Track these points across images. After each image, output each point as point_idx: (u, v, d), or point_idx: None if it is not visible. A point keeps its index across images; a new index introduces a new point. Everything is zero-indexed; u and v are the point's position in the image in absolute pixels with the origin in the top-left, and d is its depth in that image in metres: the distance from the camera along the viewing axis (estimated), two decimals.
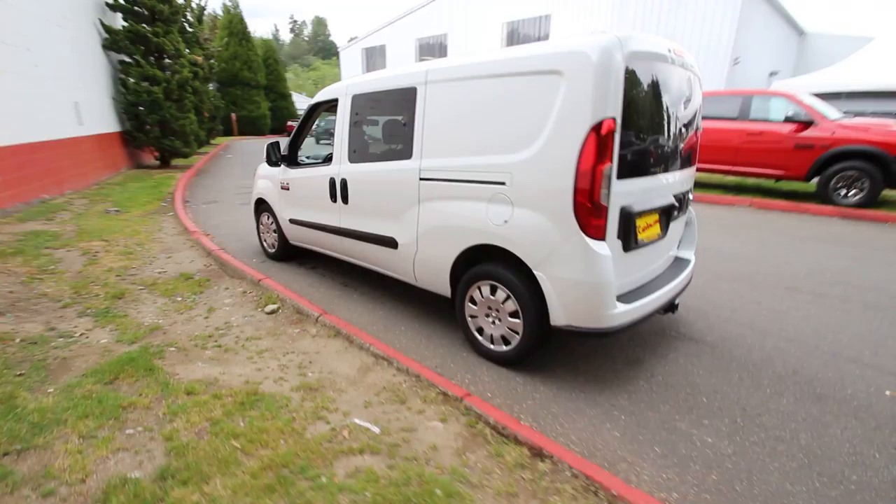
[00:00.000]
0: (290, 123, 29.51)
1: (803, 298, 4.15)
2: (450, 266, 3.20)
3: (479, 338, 3.15)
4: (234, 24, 26.41)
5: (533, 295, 2.76)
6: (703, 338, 3.42)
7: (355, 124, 3.85)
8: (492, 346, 3.09)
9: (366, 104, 3.81)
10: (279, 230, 5.09)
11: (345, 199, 3.97)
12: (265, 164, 5.21)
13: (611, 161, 2.41)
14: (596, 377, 2.93)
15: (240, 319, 3.71)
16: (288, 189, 4.77)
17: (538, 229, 2.64)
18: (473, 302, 3.13)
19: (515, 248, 2.76)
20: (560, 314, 2.65)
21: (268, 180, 5.14)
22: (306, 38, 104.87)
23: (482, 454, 2.22)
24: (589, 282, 2.53)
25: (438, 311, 3.89)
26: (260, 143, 19.70)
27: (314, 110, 4.50)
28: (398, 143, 3.53)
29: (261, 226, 5.49)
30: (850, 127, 7.56)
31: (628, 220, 2.61)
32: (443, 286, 3.36)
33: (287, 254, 5.21)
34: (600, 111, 2.36)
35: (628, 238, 2.66)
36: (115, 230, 6.39)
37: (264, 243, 5.52)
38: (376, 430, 2.37)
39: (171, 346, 3.24)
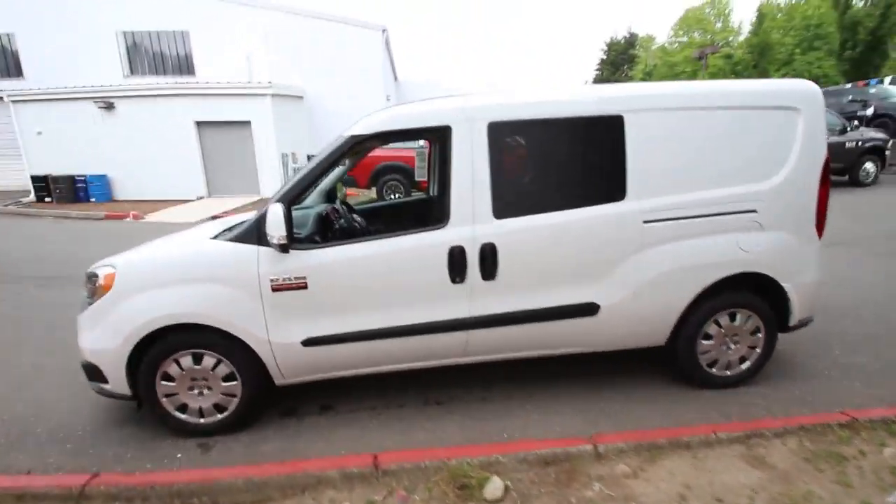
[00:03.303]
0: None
1: None
2: (683, 309, 2.80)
3: (708, 367, 2.95)
4: None
5: (768, 306, 2.90)
6: None
7: (499, 164, 2.55)
8: (728, 372, 2.98)
9: (519, 135, 2.60)
10: (253, 374, 2.61)
11: (488, 274, 2.58)
12: (190, 255, 2.64)
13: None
14: None
15: None
16: (305, 287, 2.52)
17: (787, 247, 2.80)
18: (708, 337, 2.90)
19: (768, 269, 2.80)
20: (797, 314, 2.93)
21: (216, 285, 2.50)
22: None
23: None
24: (819, 279, 2.94)
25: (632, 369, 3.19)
26: None
27: (355, 146, 2.56)
28: (595, 183, 2.67)
29: (161, 386, 2.58)
30: None
31: None
32: (658, 335, 2.88)
33: (250, 414, 2.74)
34: (825, 145, 2.80)
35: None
36: None
37: (176, 414, 2.64)
38: None
39: None
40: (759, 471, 2.19)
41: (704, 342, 2.91)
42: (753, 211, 2.75)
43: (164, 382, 2.59)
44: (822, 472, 2.17)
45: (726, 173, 2.72)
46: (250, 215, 3.38)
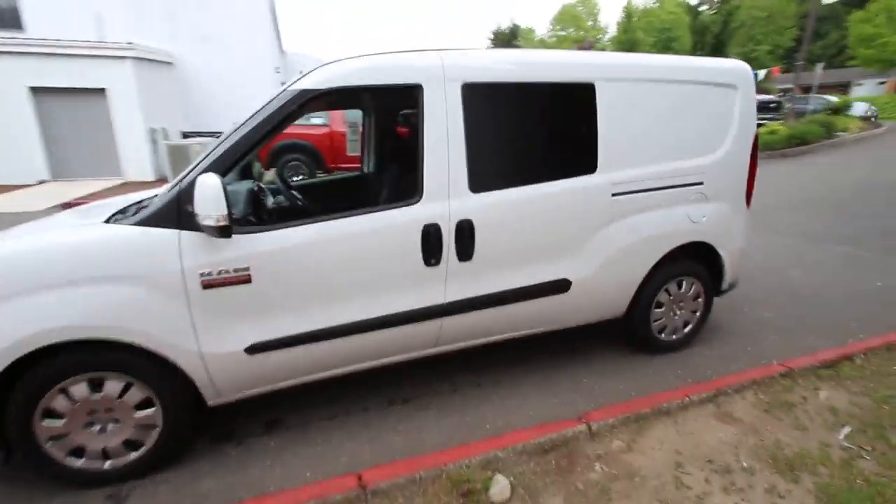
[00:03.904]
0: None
1: None
2: (641, 280, 2.83)
3: (657, 334, 3.06)
4: None
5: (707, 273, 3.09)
6: None
7: (475, 131, 2.25)
8: (674, 337, 3.11)
9: (496, 99, 2.30)
10: (178, 395, 2.01)
11: (464, 255, 2.30)
12: (77, 245, 1.89)
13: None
14: None
15: None
16: (249, 281, 1.97)
17: (725, 217, 2.98)
18: (659, 305, 2.99)
19: (709, 237, 2.95)
20: (727, 279, 3.17)
21: (119, 285, 1.84)
22: None
23: None
24: (744, 245, 3.20)
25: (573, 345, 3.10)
26: None
27: (306, 104, 2.04)
28: (569, 154, 2.51)
29: (43, 427, 1.86)
30: None
31: None
32: (619, 307, 2.89)
33: (177, 446, 2.14)
34: (755, 122, 3.00)
35: None
36: None
37: (68, 461, 1.94)
38: None
39: None
40: (732, 426, 2.30)
41: (656, 310, 3.01)
42: (700, 183, 2.86)
43: (46, 422, 1.88)
44: (780, 420, 2.34)
45: (679, 147, 2.78)
46: (147, 193, 2.66)
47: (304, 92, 2.03)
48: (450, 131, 2.21)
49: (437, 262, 2.27)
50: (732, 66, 2.93)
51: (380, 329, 2.25)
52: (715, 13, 33.62)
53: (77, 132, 11.30)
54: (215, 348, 2.01)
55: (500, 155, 2.39)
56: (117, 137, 11.36)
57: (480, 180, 2.30)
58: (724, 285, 3.17)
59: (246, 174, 3.24)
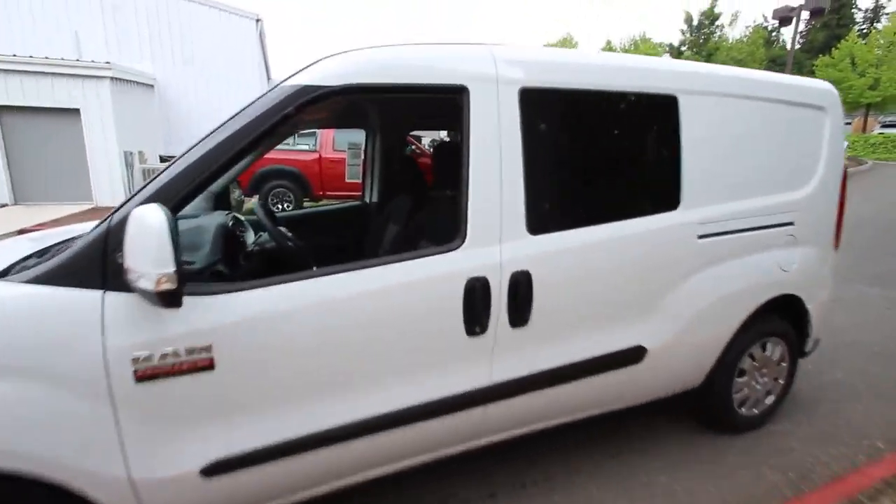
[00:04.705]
0: None
1: None
2: (725, 345, 2.21)
3: (738, 408, 2.41)
4: None
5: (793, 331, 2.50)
6: None
7: (536, 151, 1.63)
8: (755, 411, 2.48)
9: (562, 110, 1.70)
10: None
11: (518, 318, 1.65)
12: None
13: None
14: None
15: None
16: (211, 366, 1.27)
17: (814, 263, 2.42)
18: (742, 373, 2.36)
19: (799, 289, 2.37)
20: (813, 337, 2.58)
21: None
22: None
23: None
24: (832, 295, 2.63)
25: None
26: None
27: (303, 108, 1.38)
28: (648, 184, 1.92)
29: None
30: None
31: None
32: (697, 377, 2.25)
33: None
34: (844, 149, 2.49)
35: None
36: None
37: None
38: None
39: None
40: None
41: (738, 380, 2.38)
42: (791, 223, 2.30)
43: None
44: None
45: (770, 179, 2.22)
46: (82, 227, 1.95)
47: (304, 90, 1.38)
48: (504, 150, 1.58)
49: (483, 330, 1.61)
50: (819, 86, 2.42)
51: (397, 427, 1.55)
52: (695, 54, 34.87)
53: (45, 153, 10.41)
54: (154, 472, 1.28)
55: (566, 184, 1.77)
56: (89, 160, 10.51)
57: (541, 218, 1.66)
58: (809, 345, 2.58)
59: (220, 202, 2.57)
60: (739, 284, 2.16)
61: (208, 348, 1.29)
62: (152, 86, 12.55)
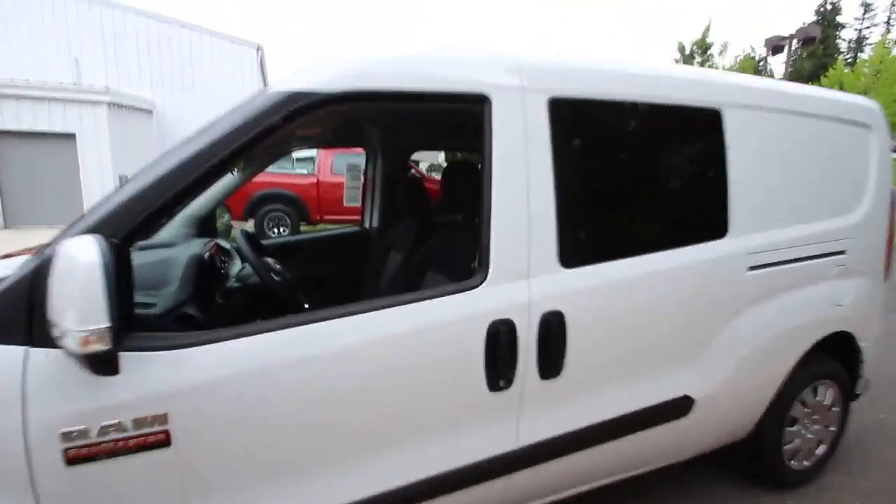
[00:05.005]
0: None
1: None
2: (776, 390, 1.93)
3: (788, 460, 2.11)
4: None
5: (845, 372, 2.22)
6: None
7: (568, 171, 1.38)
8: (806, 463, 2.17)
9: (596, 124, 1.46)
10: None
11: (549, 368, 1.36)
12: None
13: None
14: None
15: None
16: (166, 442, 0.97)
17: (866, 296, 2.16)
18: (793, 421, 2.06)
19: (852, 325, 2.11)
20: (864, 378, 2.30)
21: None
22: None
23: None
24: (882, 331, 2.36)
25: None
26: None
27: (291, 118, 1.13)
28: (692, 209, 1.67)
29: None
30: None
31: None
32: (745, 428, 1.95)
33: None
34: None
35: None
36: None
37: None
38: None
39: None
40: None
41: (789, 428, 2.08)
42: (842, 252, 2.05)
43: None
44: None
45: (820, 202, 1.98)
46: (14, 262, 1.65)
47: (294, 97, 1.12)
48: (531, 169, 1.33)
49: (509, 384, 1.32)
50: (864, 102, 2.21)
51: None
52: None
53: (39, 177, 10.20)
54: None
55: (603, 208, 1.52)
56: (83, 184, 10.29)
57: (575, 248, 1.40)
58: (860, 387, 2.29)
59: (205, 228, 2.30)
60: (792, 322, 1.89)
61: (163, 419, 0.99)
62: (151, 111, 12.47)
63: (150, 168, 1.06)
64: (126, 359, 0.95)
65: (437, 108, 1.44)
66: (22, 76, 10.25)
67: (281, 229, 8.04)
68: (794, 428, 2.08)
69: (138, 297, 1.18)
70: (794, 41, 13.86)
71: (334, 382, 1.13)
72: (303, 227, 8.39)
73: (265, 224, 7.92)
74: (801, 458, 2.15)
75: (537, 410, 1.40)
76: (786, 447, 2.08)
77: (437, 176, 9.26)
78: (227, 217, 3.07)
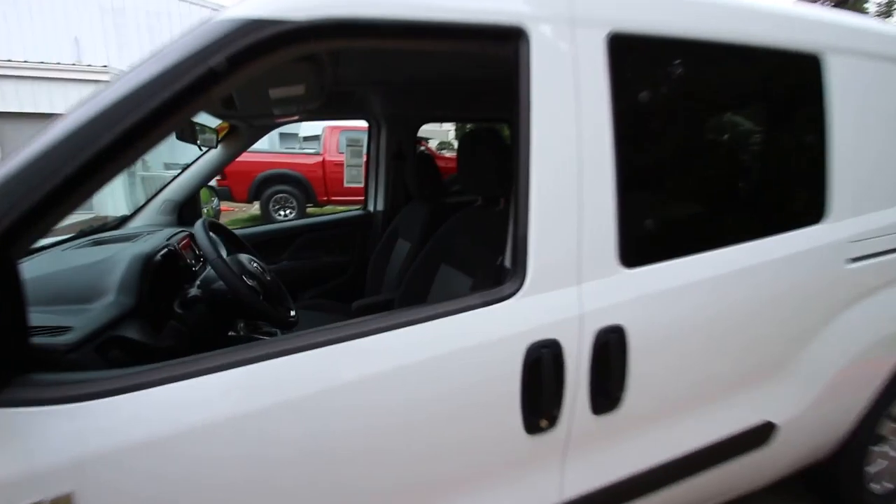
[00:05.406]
0: None
1: None
2: (865, 406, 1.57)
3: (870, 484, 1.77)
4: None
5: None
6: None
7: (634, 132, 1.01)
8: (891, 485, 1.83)
9: (671, 71, 1.08)
10: None
11: (605, 400, 1.02)
12: None
13: None
14: None
15: None
16: None
17: None
18: (879, 440, 1.72)
19: None
20: None
21: None
22: None
23: None
24: None
25: None
26: None
27: (241, 60, 0.77)
28: (780, 187, 1.29)
29: None
30: None
31: None
32: (825, 448, 1.61)
33: None
34: None
35: None
36: None
37: None
38: None
39: None
40: None
41: (874, 448, 1.73)
42: None
43: None
44: None
45: None
46: None
47: (249, 25, 0.75)
48: (584, 133, 0.96)
49: (552, 423, 0.98)
50: None
51: None
52: None
53: None
54: None
55: (678, 186, 1.14)
56: None
57: (642, 241, 1.04)
58: None
59: (186, 214, 1.99)
60: (891, 325, 1.52)
61: (66, 500, 0.68)
62: None
63: (39, 136, 0.72)
64: (9, 417, 0.64)
65: (455, 52, 1.06)
66: (20, 57, 9.93)
67: (287, 212, 7.71)
68: (880, 448, 1.74)
69: (54, 318, 0.86)
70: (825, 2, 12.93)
71: (315, 443, 0.80)
72: (309, 209, 8.07)
73: (271, 206, 7.60)
74: (883, 480, 1.81)
75: (587, 453, 1.06)
76: (868, 468, 1.74)
77: (449, 154, 8.78)
78: (216, 201, 2.74)
